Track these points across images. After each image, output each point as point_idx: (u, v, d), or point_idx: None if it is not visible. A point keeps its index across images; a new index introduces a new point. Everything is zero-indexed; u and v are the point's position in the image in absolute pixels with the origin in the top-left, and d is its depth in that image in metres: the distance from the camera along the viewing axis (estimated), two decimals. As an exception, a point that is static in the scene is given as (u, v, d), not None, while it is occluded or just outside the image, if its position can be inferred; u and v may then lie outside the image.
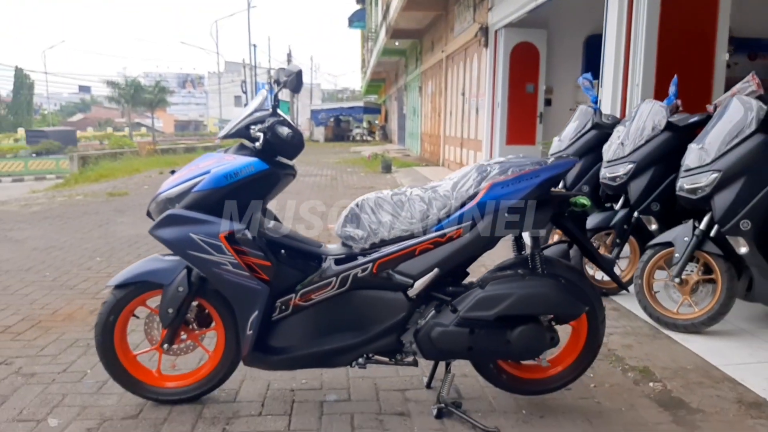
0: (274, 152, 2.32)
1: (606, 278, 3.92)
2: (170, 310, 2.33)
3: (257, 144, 2.23)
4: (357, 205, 2.37)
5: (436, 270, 2.25)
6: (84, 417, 2.40)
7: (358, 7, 32.63)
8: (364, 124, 38.30)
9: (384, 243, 2.32)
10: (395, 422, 2.37)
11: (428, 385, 2.67)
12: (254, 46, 39.59)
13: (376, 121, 38.06)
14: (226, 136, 2.32)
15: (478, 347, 2.29)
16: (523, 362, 2.53)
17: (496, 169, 2.30)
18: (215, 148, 2.25)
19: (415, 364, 2.39)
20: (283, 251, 2.35)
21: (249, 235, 2.24)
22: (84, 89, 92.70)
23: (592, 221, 3.86)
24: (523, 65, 10.16)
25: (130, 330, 2.54)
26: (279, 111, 2.32)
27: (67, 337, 3.28)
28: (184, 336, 2.50)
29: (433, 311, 2.31)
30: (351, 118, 39.47)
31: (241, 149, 2.34)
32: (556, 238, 3.85)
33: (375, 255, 2.30)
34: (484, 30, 10.55)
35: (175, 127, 71.34)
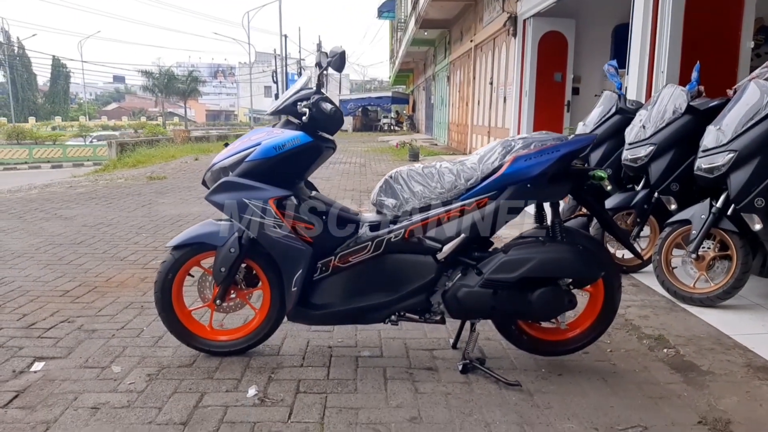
0: (317, 127, 2.56)
1: (627, 255, 4.13)
2: (222, 269, 2.60)
3: (303, 119, 2.46)
4: (391, 177, 2.60)
5: (462, 235, 2.47)
6: (144, 365, 2.68)
7: (387, -3, 32.70)
8: (392, 114, 38.48)
9: (415, 211, 2.54)
10: (424, 375, 2.60)
11: (454, 346, 2.89)
12: (285, 36, 39.92)
13: (404, 111, 38.21)
14: (275, 112, 2.57)
15: (500, 307, 2.50)
16: (542, 324, 2.74)
17: (519, 144, 2.50)
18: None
19: (442, 322, 2.61)
20: (324, 217, 2.59)
21: (294, 200, 2.49)
22: (119, 79, 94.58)
23: (613, 201, 4.03)
24: (551, 54, 10.24)
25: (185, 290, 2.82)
26: (322, 90, 2.55)
27: (122, 300, 3.58)
28: (233, 294, 2.76)
29: (460, 274, 2.53)
30: (379, 108, 39.69)
31: (288, 124, 2.58)
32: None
33: (406, 222, 2.52)
34: (513, 19, 10.65)
35: (206, 116, 72.52)
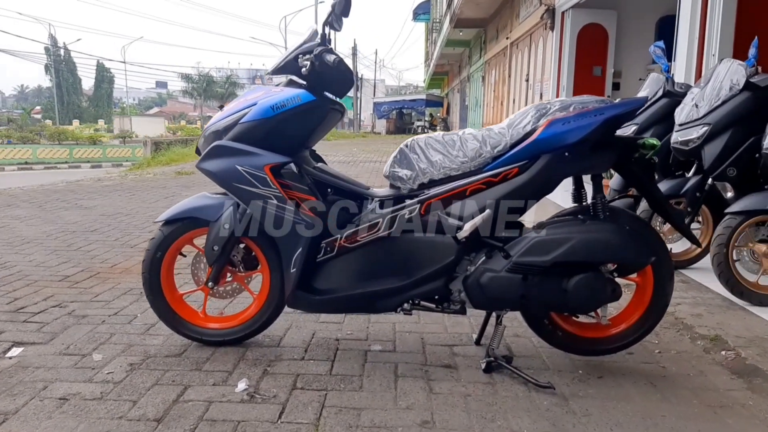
0: (322, 86, 2.25)
1: (674, 249, 3.70)
2: (215, 248, 2.31)
3: (303, 70, 2.15)
4: (406, 146, 2.27)
5: (488, 212, 2.12)
6: (128, 354, 2.40)
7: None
8: (426, 117, 38.17)
9: (433, 183, 2.21)
10: (441, 373, 2.26)
11: (477, 342, 2.55)
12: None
13: (438, 114, 37.85)
14: (275, 71, 2.27)
15: (531, 296, 2.15)
16: (580, 319, 2.37)
17: (556, 106, 2.15)
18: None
19: (462, 312, 2.27)
20: (330, 190, 2.28)
21: (294, 168, 2.18)
22: (161, 84, 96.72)
23: (661, 189, 3.60)
24: (591, 48, 9.76)
25: (178, 273, 2.54)
26: (327, 44, 2.24)
27: (122, 287, 3.34)
28: (230, 278, 2.47)
29: (484, 257, 2.19)
30: (413, 111, 39.40)
31: (290, 85, 2.28)
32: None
33: (423, 196, 2.20)
34: (551, 12, 10.20)
35: (242, 120, 73.24)
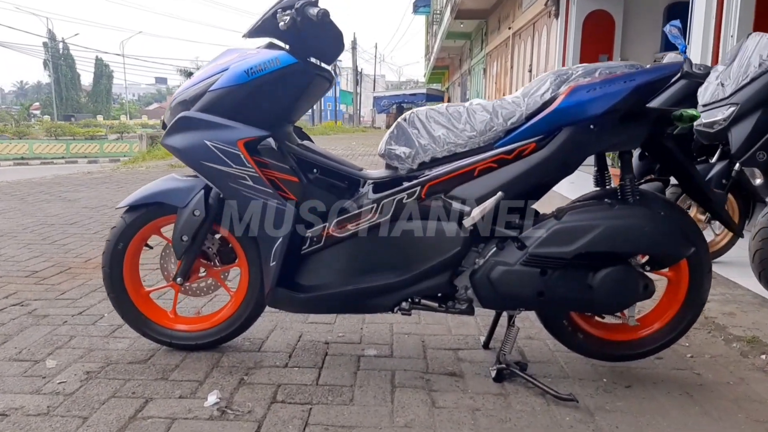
0: (307, 51, 1.94)
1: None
2: (184, 238, 2.00)
3: (282, 24, 1.82)
4: (405, 120, 1.96)
5: (500, 194, 1.82)
6: (87, 359, 2.10)
7: (423, -9, 32.09)
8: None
9: (436, 162, 1.90)
10: (445, 383, 1.95)
11: (486, 345, 2.24)
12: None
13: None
14: (251, 33, 1.94)
15: (550, 293, 1.84)
16: (604, 319, 2.07)
17: (579, 71, 1.84)
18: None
19: (469, 312, 1.96)
20: (316, 170, 1.97)
21: (273, 144, 1.87)
22: (161, 80, 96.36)
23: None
24: (597, 36, 9.45)
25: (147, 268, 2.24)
26: None
27: (93, 283, 3.03)
28: (203, 272, 2.17)
29: (495, 248, 1.88)
30: (413, 105, 39.01)
31: (271, 48, 1.96)
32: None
33: (424, 177, 1.89)
34: (556, -2, 9.89)
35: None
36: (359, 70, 44.56)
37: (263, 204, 1.86)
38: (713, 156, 3.47)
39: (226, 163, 1.84)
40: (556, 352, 2.21)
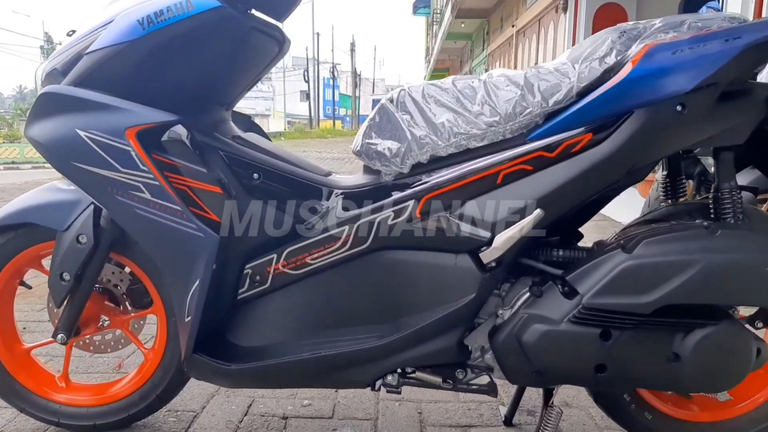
0: (247, 1, 1.29)
1: None
2: (65, 276, 1.35)
3: None
4: (391, 101, 1.31)
5: (537, 212, 1.17)
6: (-66, 449, 1.46)
7: (422, -8, 31.58)
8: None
9: (437, 163, 1.25)
10: (452, 491, 1.30)
11: (509, 421, 1.59)
12: (317, 34, 39.15)
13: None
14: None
15: (615, 367, 1.19)
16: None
17: (657, 24, 1.20)
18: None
19: (490, 390, 1.31)
20: (257, 175, 1.31)
21: (185, 135, 1.21)
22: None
23: (752, 175, 2.64)
24: (609, 30, 8.86)
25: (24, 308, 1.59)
26: None
27: None
28: (107, 322, 1.52)
29: (528, 294, 1.23)
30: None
31: None
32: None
33: (419, 186, 1.24)
34: (565, -9, 9.28)
35: (241, 119, 72.78)
36: (358, 72, 44.01)
37: (168, 228, 1.20)
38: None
39: (108, 164, 1.18)
40: (607, 430, 1.57)
